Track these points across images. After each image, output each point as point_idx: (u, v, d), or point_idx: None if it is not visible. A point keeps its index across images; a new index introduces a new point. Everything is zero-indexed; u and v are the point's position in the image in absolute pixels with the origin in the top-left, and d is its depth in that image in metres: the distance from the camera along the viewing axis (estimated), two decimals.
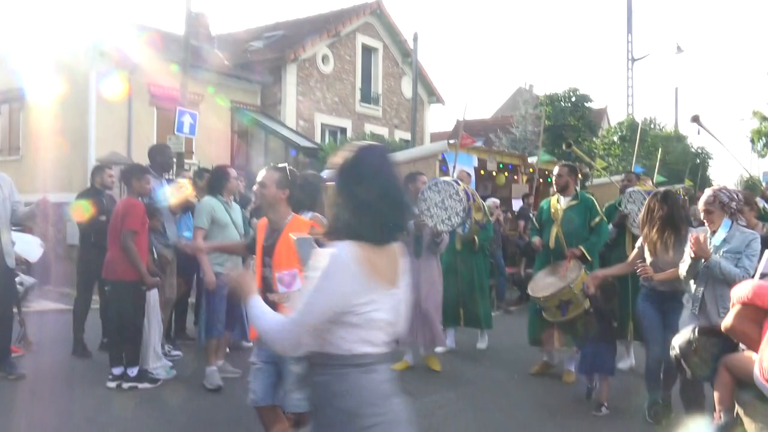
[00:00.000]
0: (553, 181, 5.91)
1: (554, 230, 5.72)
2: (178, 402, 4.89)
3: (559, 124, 19.83)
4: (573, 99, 20.45)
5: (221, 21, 64.99)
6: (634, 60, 23.51)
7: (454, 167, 10.00)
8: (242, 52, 18.00)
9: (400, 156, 10.91)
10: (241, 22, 57.49)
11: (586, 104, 20.60)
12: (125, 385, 5.14)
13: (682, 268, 4.12)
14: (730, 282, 3.80)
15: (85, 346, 6.18)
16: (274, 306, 2.73)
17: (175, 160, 9.12)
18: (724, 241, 4.03)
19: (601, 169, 12.53)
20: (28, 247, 6.61)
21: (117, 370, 5.19)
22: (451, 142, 10.97)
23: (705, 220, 4.12)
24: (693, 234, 4.00)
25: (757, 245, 4.00)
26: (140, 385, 5.15)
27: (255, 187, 3.59)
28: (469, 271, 6.55)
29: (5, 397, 4.84)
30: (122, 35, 13.73)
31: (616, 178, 10.36)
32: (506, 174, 12.82)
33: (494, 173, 12.59)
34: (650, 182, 10.99)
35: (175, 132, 10.66)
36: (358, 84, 19.25)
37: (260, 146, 16.71)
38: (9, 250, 5.38)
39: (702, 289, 4.05)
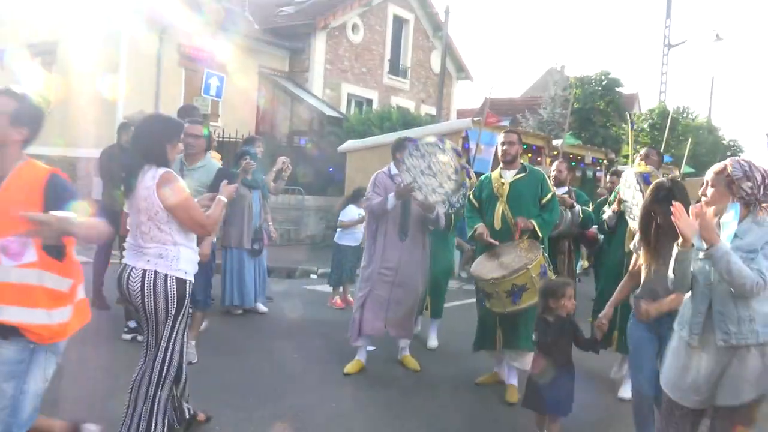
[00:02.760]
0: (501, 151, 4.96)
1: (499, 208, 4.86)
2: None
3: (588, 108, 19.53)
4: (604, 82, 20.08)
5: None
6: (670, 46, 22.96)
7: (477, 145, 9.97)
8: (272, 16, 17.95)
9: (422, 131, 10.89)
10: None
11: (617, 89, 20.23)
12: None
13: (671, 269, 2.91)
14: (737, 288, 2.67)
15: (104, 298, 6.36)
16: None
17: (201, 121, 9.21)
18: (735, 236, 2.78)
19: (627, 156, 12.38)
20: None
21: (132, 323, 5.35)
22: (476, 119, 10.90)
23: (701, 198, 2.94)
24: (696, 206, 2.77)
25: None
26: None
27: None
28: (435, 255, 5.52)
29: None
30: None
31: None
32: (529, 155, 12.72)
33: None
34: (677, 171, 10.87)
35: (202, 93, 10.73)
36: (387, 55, 19.13)
37: (286, 113, 16.75)
38: None
39: (706, 306, 2.83)
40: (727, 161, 2.90)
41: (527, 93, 33.00)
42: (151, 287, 3.13)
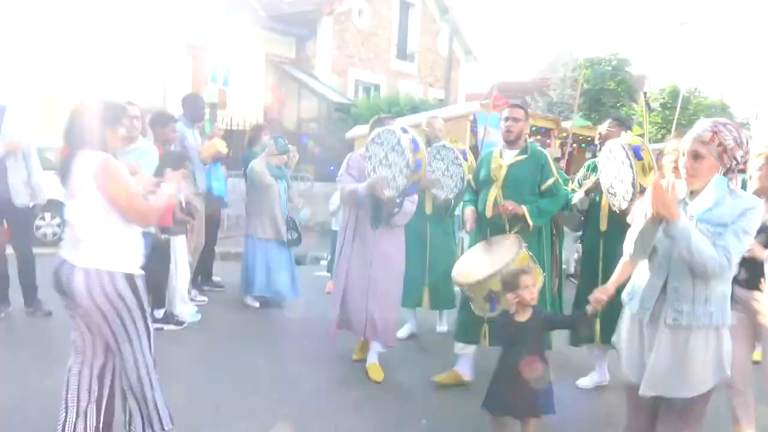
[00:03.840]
0: (504, 128, 4.42)
1: (493, 193, 4.35)
2: (201, 344, 5.08)
3: (597, 88, 19.35)
4: (614, 63, 19.86)
5: None
6: (681, 24, 22.65)
7: (485, 129, 9.92)
8: (278, 3, 17.87)
9: (430, 115, 10.84)
10: None
11: (626, 69, 20.01)
12: (166, 327, 5.34)
13: (631, 239, 2.66)
14: (697, 268, 2.41)
15: None
16: None
17: (208, 110, 9.23)
18: (708, 209, 2.47)
19: (636, 136, 12.27)
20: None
21: (157, 313, 5.39)
22: (483, 102, 10.83)
23: (685, 170, 2.54)
24: (655, 180, 2.46)
25: (756, 218, 2.47)
26: (166, 327, 5.36)
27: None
28: (439, 242, 5.28)
29: (35, 334, 5.09)
30: None
31: (652, 146, 10.12)
32: (538, 137, 12.65)
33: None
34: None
35: (209, 82, 10.74)
36: (394, 40, 19.02)
37: (294, 100, 16.73)
38: (18, 190, 5.40)
39: (662, 279, 2.57)
40: (713, 123, 2.49)
41: (537, 75, 32.73)
42: (96, 286, 2.79)
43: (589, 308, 3.00)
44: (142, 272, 2.98)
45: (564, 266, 5.41)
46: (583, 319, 3.25)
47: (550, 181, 4.34)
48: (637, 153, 3.84)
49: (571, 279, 7.55)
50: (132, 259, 2.94)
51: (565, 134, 11.77)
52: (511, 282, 3.35)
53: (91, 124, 2.89)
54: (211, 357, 4.79)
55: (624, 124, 4.50)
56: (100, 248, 2.84)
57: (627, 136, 4.03)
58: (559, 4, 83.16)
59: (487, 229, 4.34)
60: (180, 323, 5.48)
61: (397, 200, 4.26)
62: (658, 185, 2.39)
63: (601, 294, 2.95)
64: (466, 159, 5.06)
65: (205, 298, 6.45)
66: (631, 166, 3.76)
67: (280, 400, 4.03)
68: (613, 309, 3.09)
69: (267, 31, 16.28)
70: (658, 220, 2.44)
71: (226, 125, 12.32)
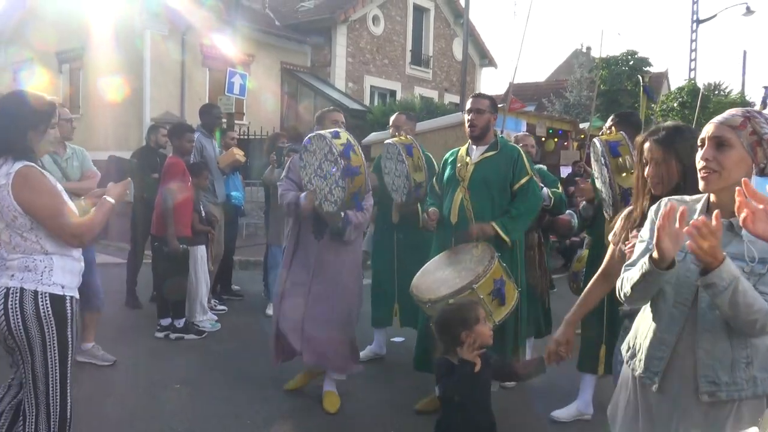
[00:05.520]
0: (467, 122, 3.90)
1: (458, 195, 3.87)
2: (221, 353, 5.10)
3: (615, 89, 19.21)
4: (631, 63, 19.69)
5: None
6: (699, 21, 22.38)
7: (502, 132, 9.87)
8: (293, 12, 18.00)
9: (444, 120, 10.81)
10: None
11: (644, 68, 19.82)
12: (172, 336, 5.38)
13: (628, 277, 1.88)
14: (742, 326, 1.71)
15: (137, 297, 6.49)
16: None
17: (225, 120, 9.32)
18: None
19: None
20: None
21: (165, 321, 5.44)
22: (500, 106, 10.79)
23: (702, 163, 1.80)
24: (668, 203, 1.79)
25: None
26: (186, 336, 5.39)
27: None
28: (408, 254, 4.60)
29: None
30: None
31: None
32: (556, 140, 12.57)
33: (543, 139, 12.36)
34: None
35: (225, 92, 10.83)
36: (409, 46, 19.05)
37: (310, 107, 16.82)
38: None
39: (675, 335, 1.85)
40: (741, 112, 1.81)
41: (552, 76, 32.58)
42: (17, 308, 2.47)
43: (547, 357, 2.52)
44: (75, 294, 2.64)
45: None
46: (539, 367, 2.68)
47: (523, 180, 3.82)
48: (613, 150, 3.26)
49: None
50: (62, 280, 2.58)
51: (582, 136, 11.68)
52: (467, 318, 2.60)
53: (10, 126, 2.47)
54: (231, 366, 4.80)
55: (627, 119, 3.77)
56: (25, 268, 2.50)
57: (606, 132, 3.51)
58: (574, 4, 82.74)
59: (452, 236, 3.84)
60: (200, 333, 5.51)
61: (341, 214, 3.73)
62: (684, 215, 1.66)
63: (558, 347, 2.45)
64: (410, 154, 4.40)
65: (225, 307, 6.48)
66: (607, 164, 3.22)
67: (301, 410, 4.02)
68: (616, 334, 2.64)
69: (282, 40, 16.40)
70: (668, 266, 1.72)
71: (244, 134, 12.41)
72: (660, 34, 74.27)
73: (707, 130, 1.83)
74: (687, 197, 1.94)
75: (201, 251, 5.69)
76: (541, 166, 5.65)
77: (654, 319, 1.92)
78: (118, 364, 4.70)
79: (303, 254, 3.95)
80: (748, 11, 22.15)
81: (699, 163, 1.82)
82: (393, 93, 18.61)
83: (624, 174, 3.20)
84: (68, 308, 2.59)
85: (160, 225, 5.42)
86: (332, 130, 3.75)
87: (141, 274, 6.58)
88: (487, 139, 3.93)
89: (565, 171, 11.97)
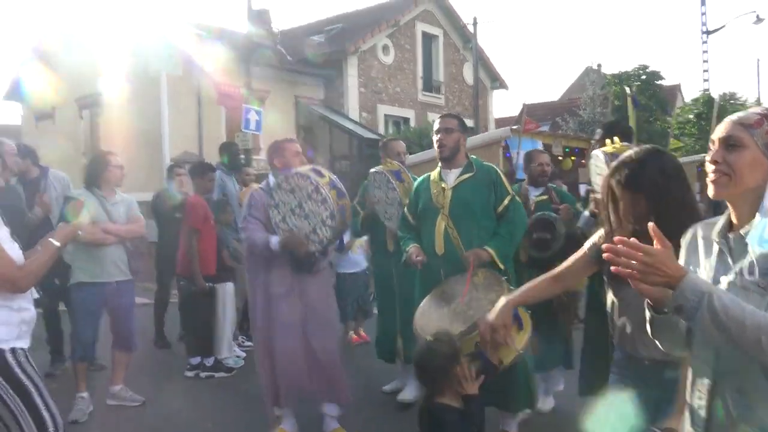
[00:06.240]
0: (436, 143, 3.72)
1: (440, 224, 3.61)
2: (250, 391, 5.07)
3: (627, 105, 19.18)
4: (643, 77, 19.69)
5: (282, 17, 66.11)
6: (708, 32, 22.37)
7: (518, 153, 9.88)
8: (304, 47, 18.29)
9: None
10: (302, 17, 58.29)
11: (657, 82, 19.80)
12: (202, 374, 5.39)
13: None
14: (749, 348, 1.38)
15: (165, 337, 6.52)
16: None
17: (243, 156, 9.43)
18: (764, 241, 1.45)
19: (674, 150, 12.08)
20: None
21: (194, 360, 5.45)
22: (514, 127, 10.82)
23: (711, 166, 1.59)
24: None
25: None
26: (216, 375, 5.39)
27: None
28: (409, 284, 4.08)
29: (89, 387, 5.17)
30: (188, 37, 14.24)
31: (689, 159, 9.90)
32: (573, 158, 12.56)
33: (560, 158, 12.35)
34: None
35: (242, 129, 10.98)
36: (420, 73, 19.21)
37: (325, 139, 16.97)
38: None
39: (707, 376, 1.55)
40: (758, 110, 1.60)
41: (565, 95, 32.64)
42: None
43: (482, 344, 2.44)
44: (17, 345, 2.53)
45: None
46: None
47: (506, 201, 3.63)
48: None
49: None
50: (4, 330, 2.47)
51: None
52: (454, 354, 2.44)
53: None
54: (261, 403, 4.78)
55: (615, 129, 3.62)
56: None
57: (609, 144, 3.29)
58: (582, 23, 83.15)
59: (440, 269, 3.54)
60: (230, 370, 5.51)
61: (320, 253, 3.70)
62: (632, 245, 1.42)
63: (493, 333, 2.33)
64: (400, 179, 4.34)
65: (252, 343, 6.47)
66: None
67: None
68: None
69: (294, 74, 16.63)
70: (666, 304, 1.49)
71: (262, 169, 12.54)
72: (670, 46, 74.38)
73: (718, 130, 1.64)
74: (715, 219, 1.67)
75: (227, 288, 5.71)
76: (558, 185, 5.57)
77: (690, 368, 1.64)
78: (150, 405, 4.70)
79: (283, 292, 3.73)
80: (758, 20, 22.09)
81: (707, 167, 1.62)
82: (406, 120, 18.73)
83: None
84: (10, 360, 2.48)
85: (185, 264, 5.47)
86: (311, 166, 3.64)
87: (168, 313, 6.62)
88: (458, 160, 3.72)
89: (584, 189, 11.92)
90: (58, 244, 2.63)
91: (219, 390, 5.11)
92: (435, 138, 3.73)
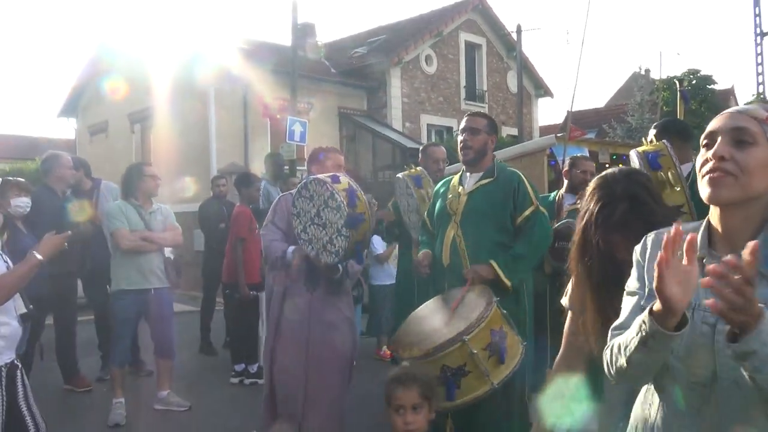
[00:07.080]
0: (460, 144, 3.38)
1: (450, 233, 3.28)
2: None
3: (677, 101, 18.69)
4: (693, 82, 19.16)
5: (327, 30, 66.92)
6: (763, 34, 21.60)
7: (563, 161, 9.72)
8: (347, 58, 18.47)
9: (503, 153, 10.74)
10: (346, 29, 59.05)
11: (709, 86, 19.23)
12: (247, 381, 5.47)
13: (623, 344, 1.30)
14: None
15: (211, 344, 6.64)
16: None
17: (288, 167, 9.57)
18: None
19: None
20: None
21: (239, 367, 5.54)
22: (559, 135, 10.66)
23: (712, 162, 1.28)
24: (673, 229, 1.16)
25: None
26: (260, 381, 5.45)
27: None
28: (425, 297, 3.63)
29: (138, 392, 5.31)
30: (234, 52, 14.57)
31: None
32: (621, 165, 12.27)
33: (607, 165, 12.05)
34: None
35: (287, 140, 11.14)
36: (463, 82, 19.16)
37: (368, 150, 17.07)
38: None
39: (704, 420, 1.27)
40: (764, 106, 1.35)
41: (612, 101, 31.99)
42: None
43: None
44: (6, 360, 2.48)
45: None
46: None
47: (527, 212, 3.18)
48: (653, 161, 2.66)
49: None
50: None
51: None
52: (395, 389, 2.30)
53: None
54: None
55: (669, 128, 3.29)
56: None
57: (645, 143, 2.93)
58: (631, 25, 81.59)
59: (445, 281, 3.26)
60: None
61: (339, 267, 3.31)
62: (693, 244, 1.14)
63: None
64: (419, 186, 4.12)
65: None
66: None
67: None
68: None
69: (338, 86, 16.83)
70: (678, 323, 1.19)
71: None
72: (723, 50, 72.21)
73: (719, 121, 1.33)
74: (689, 224, 1.40)
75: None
76: None
77: (662, 408, 1.32)
78: (196, 410, 4.79)
79: (294, 311, 3.38)
80: None
81: (705, 166, 1.30)
82: (449, 129, 18.69)
83: (667, 190, 2.56)
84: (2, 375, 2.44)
85: (230, 273, 5.57)
86: (330, 174, 3.32)
87: (214, 321, 6.75)
88: (483, 164, 3.35)
89: None
90: (40, 257, 2.52)
91: (261, 396, 5.16)
92: (459, 138, 3.40)
